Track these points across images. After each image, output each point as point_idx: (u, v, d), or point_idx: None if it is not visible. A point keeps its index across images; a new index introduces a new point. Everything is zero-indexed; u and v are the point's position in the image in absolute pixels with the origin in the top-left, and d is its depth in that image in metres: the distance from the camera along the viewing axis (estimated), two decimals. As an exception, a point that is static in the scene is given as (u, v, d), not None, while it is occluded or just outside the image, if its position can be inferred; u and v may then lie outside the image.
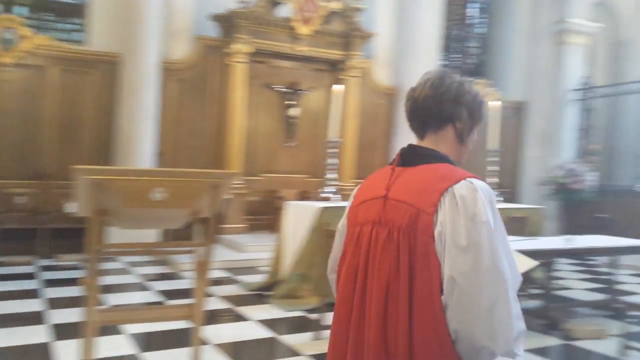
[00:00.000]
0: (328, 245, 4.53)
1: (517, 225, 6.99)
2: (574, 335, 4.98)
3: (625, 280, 7.39)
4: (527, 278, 6.11)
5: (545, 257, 5.66)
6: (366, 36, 9.81)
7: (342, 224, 1.64)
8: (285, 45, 9.30)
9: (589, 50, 12.41)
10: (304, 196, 9.01)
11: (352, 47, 9.71)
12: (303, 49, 9.39)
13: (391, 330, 1.34)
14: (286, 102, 9.68)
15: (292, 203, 6.47)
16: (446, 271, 1.31)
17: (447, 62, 12.31)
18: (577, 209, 10.90)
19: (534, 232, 7.13)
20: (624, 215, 9.53)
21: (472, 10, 12.82)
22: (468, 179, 1.37)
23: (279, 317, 5.25)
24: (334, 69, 9.92)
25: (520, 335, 1.31)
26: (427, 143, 1.52)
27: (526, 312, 4.95)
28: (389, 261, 1.37)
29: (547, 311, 5.55)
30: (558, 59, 11.95)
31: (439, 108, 1.49)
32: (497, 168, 7.68)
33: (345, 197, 8.24)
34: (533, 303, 5.90)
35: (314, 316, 5.02)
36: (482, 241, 1.30)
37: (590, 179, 10.76)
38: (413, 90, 1.55)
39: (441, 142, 1.51)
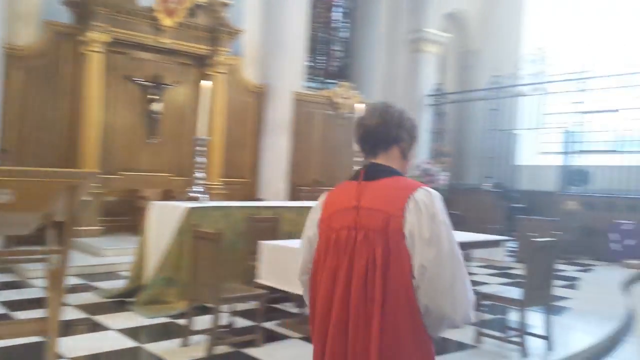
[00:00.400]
0: (196, 248, 4.37)
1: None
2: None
3: (477, 271, 8.04)
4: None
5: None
6: (233, 32, 9.63)
7: (313, 232, 1.89)
8: (147, 37, 8.82)
9: (441, 59, 13.36)
10: (168, 196, 8.62)
11: (219, 43, 9.48)
12: (166, 41, 8.97)
13: (369, 312, 1.65)
14: (148, 97, 9.19)
15: (156, 203, 6.14)
16: (417, 260, 1.65)
17: (312, 64, 12.53)
18: (431, 206, 11.66)
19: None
20: (473, 211, 10.38)
21: (337, 15, 13.17)
22: (423, 187, 1.72)
23: (143, 324, 4.93)
24: (201, 64, 9.61)
25: (472, 304, 1.70)
26: (380, 161, 1.83)
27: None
28: (365, 257, 1.69)
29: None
30: (414, 65, 12.71)
31: (387, 132, 1.82)
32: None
33: (214, 197, 8.05)
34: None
35: (181, 321, 4.79)
36: (442, 235, 1.66)
37: (443, 178, 11.57)
38: (363, 119, 1.86)
39: (391, 159, 1.83)
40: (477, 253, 6.60)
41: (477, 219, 9.79)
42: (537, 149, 13.61)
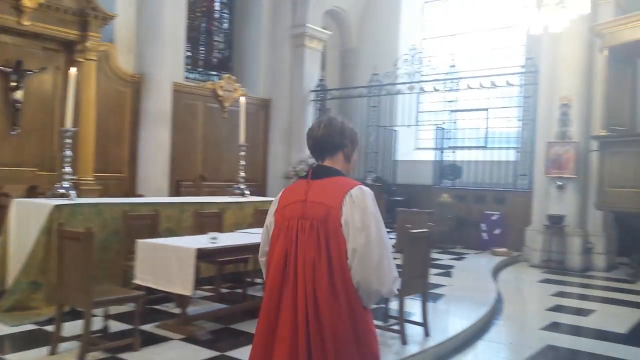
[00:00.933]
0: (63, 248, 4.00)
1: (264, 217, 7.21)
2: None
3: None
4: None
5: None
6: (105, 17, 8.98)
7: (270, 221, 2.27)
8: (5, 17, 7.98)
9: (323, 55, 13.53)
10: (33, 192, 7.88)
11: (89, 28, 8.81)
12: (27, 23, 8.17)
13: (320, 286, 2.03)
14: (11, 84, 8.33)
15: (19, 200, 5.58)
16: (350, 245, 2.04)
17: (193, 54, 12.13)
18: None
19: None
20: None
21: (218, 5, 12.84)
22: (358, 186, 2.12)
23: (5, 333, 4.46)
24: (69, 50, 8.89)
25: (396, 280, 2.10)
26: (327, 163, 2.23)
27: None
28: (312, 242, 2.07)
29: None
30: (298, 60, 12.74)
31: (332, 140, 2.21)
32: (244, 162, 7.81)
33: (85, 193, 7.51)
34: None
35: (49, 328, 4.39)
36: (370, 224, 2.04)
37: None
38: (311, 130, 2.25)
39: (335, 162, 2.24)
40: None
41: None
42: (414, 145, 14.27)
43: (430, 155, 12.40)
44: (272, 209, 2.28)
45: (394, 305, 5.21)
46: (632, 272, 8.56)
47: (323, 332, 2.02)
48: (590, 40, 9.20)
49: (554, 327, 5.66)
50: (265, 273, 2.24)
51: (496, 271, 8.60)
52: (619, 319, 5.98)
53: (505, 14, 12.57)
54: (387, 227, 7.30)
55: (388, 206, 11.61)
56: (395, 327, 4.73)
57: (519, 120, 10.94)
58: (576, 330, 5.66)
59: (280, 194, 2.29)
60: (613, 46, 8.76)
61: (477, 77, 10.99)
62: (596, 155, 8.94)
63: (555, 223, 9.08)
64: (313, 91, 12.93)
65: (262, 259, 2.33)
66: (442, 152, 11.69)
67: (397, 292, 2.34)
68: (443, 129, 11.87)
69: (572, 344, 5.14)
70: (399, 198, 12.31)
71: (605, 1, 9.17)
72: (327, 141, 2.21)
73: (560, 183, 9.23)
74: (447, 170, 11.46)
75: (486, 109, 11.27)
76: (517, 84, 10.70)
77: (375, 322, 4.88)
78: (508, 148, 11.30)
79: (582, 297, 7.27)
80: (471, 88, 11.09)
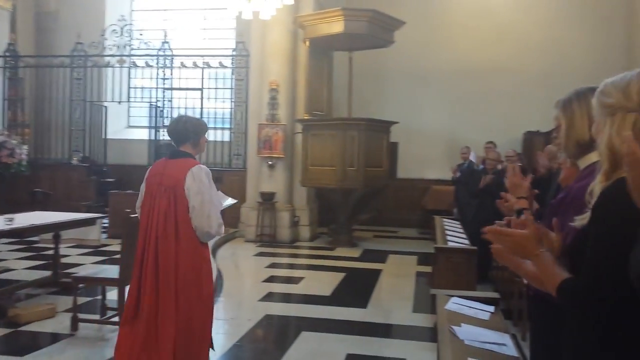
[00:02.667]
0: None
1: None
2: (21, 321, 4.61)
3: (68, 253, 7.42)
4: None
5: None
6: None
7: (142, 186, 3.34)
8: None
9: (12, 16, 11.68)
10: None
11: None
12: None
13: (169, 229, 3.15)
14: None
15: None
16: (191, 203, 3.14)
17: None
18: (10, 184, 10.23)
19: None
20: (61, 188, 9.54)
21: None
22: (198, 165, 3.23)
23: None
24: None
25: (221, 225, 3.24)
26: (181, 148, 3.32)
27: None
28: (165, 201, 3.18)
29: (-13, 300, 4.93)
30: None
31: (178, 134, 3.31)
32: None
33: None
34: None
35: None
36: (204, 190, 3.16)
37: (21, 152, 10.27)
38: (167, 127, 3.55)
39: (186, 147, 3.32)
40: (70, 234, 6.03)
41: (66, 196, 9.00)
42: (126, 123, 13.50)
43: (144, 134, 11.89)
44: (144, 178, 3.33)
45: (113, 295, 4.83)
46: (330, 240, 9.69)
47: (168, 264, 3.11)
48: (294, 30, 9.94)
49: (269, 297, 6.02)
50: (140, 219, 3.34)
51: (215, 249, 8.75)
52: (323, 283, 6.68)
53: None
54: (100, 211, 6.92)
55: (99, 189, 10.78)
56: (115, 319, 4.40)
57: (232, 101, 11.27)
58: (288, 298, 6.13)
59: (150, 167, 3.37)
60: (313, 38, 9.64)
61: (191, 56, 10.92)
62: (300, 137, 9.77)
63: (267, 200, 9.67)
64: (1, 57, 11.09)
65: (137, 210, 3.38)
66: (157, 130, 11.32)
67: (222, 233, 3.38)
68: (158, 107, 11.49)
69: (286, 311, 5.55)
70: (110, 180, 11.51)
71: (306, -6, 9.99)
72: (175, 134, 3.30)
73: (271, 162, 9.84)
74: (164, 150, 11.14)
75: (201, 89, 11.28)
76: (230, 67, 10.98)
77: (90, 317, 4.52)
78: (223, 128, 11.55)
79: (292, 267, 7.92)
80: (185, 67, 10.99)
